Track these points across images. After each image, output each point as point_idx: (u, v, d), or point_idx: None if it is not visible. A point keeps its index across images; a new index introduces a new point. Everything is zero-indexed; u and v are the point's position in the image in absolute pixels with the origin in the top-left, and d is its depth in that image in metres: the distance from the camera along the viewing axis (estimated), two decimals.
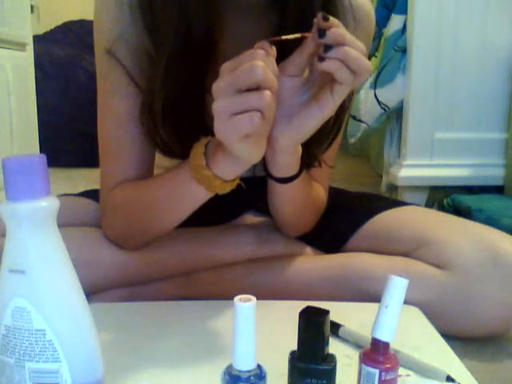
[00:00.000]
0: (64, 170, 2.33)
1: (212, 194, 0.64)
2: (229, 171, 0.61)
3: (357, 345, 0.62)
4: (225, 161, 0.60)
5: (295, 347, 0.45)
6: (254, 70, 0.51)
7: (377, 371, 0.44)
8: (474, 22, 1.57)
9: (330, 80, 0.56)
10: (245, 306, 0.39)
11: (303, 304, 0.46)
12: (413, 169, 1.63)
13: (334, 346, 0.46)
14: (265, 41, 0.55)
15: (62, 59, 2.57)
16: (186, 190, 0.66)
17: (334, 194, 0.89)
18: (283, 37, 0.56)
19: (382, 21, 1.65)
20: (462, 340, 0.72)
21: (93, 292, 0.77)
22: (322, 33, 0.53)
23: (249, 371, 0.40)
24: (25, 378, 0.40)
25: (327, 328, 0.44)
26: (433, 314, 0.71)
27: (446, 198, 1.55)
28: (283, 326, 0.54)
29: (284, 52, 0.58)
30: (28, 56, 2.02)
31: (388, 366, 0.44)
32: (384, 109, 1.62)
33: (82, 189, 0.96)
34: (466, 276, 0.72)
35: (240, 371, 0.40)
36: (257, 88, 0.52)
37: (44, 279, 0.40)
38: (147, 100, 0.68)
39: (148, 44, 0.68)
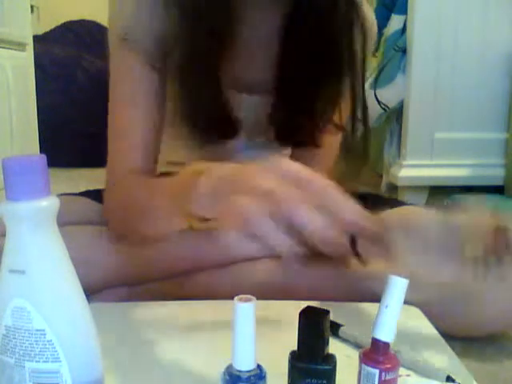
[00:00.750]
0: (64, 170, 2.33)
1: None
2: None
3: (357, 345, 0.62)
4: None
5: (295, 347, 0.44)
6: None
7: (377, 371, 0.44)
8: (473, 21, 1.57)
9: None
10: (245, 305, 0.39)
11: (303, 304, 0.46)
12: (413, 169, 1.63)
13: (334, 346, 0.46)
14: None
15: (62, 59, 2.57)
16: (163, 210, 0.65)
17: None
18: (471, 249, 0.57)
19: (382, 21, 1.65)
20: (462, 340, 0.72)
21: (92, 291, 0.77)
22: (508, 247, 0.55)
23: (249, 371, 0.40)
24: (25, 378, 0.40)
25: (327, 328, 0.44)
26: (432, 314, 0.71)
27: (446, 198, 1.55)
28: (283, 326, 0.54)
29: None
30: (28, 56, 2.02)
31: (388, 366, 0.44)
32: (384, 109, 1.62)
33: (82, 189, 0.97)
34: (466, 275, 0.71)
35: (240, 371, 0.40)
36: None
37: (44, 279, 0.40)
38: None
39: (168, 28, 0.70)
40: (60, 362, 0.39)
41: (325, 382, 0.43)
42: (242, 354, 0.40)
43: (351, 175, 0.77)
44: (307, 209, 0.42)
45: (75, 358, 0.40)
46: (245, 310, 0.39)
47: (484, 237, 0.57)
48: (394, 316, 0.43)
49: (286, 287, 0.79)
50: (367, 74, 0.80)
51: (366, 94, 0.82)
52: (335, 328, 0.63)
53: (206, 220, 0.56)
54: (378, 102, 1.61)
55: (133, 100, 0.73)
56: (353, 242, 0.47)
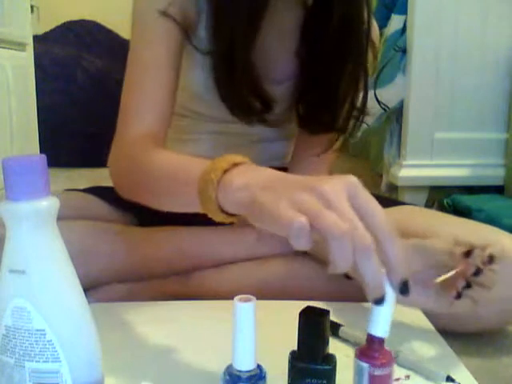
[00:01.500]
0: (64, 170, 2.32)
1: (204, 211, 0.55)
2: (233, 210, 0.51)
3: (357, 345, 0.61)
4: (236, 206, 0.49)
5: (295, 347, 0.44)
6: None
7: (367, 366, 0.44)
8: (474, 21, 1.57)
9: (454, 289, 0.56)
10: (245, 305, 0.39)
11: (303, 304, 0.46)
12: (413, 169, 1.63)
13: (334, 346, 0.46)
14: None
15: (62, 59, 2.57)
16: (186, 196, 0.58)
17: None
18: (440, 278, 0.56)
19: (382, 21, 1.65)
20: (462, 340, 0.72)
21: (92, 285, 0.77)
22: (477, 272, 0.54)
23: (249, 371, 0.40)
24: (25, 378, 0.40)
25: (327, 328, 0.44)
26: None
27: (446, 198, 1.55)
28: (283, 326, 0.54)
29: None
30: (28, 56, 2.02)
31: (378, 362, 0.44)
32: (384, 109, 1.62)
33: None
34: None
35: (240, 371, 0.40)
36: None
37: (44, 279, 0.40)
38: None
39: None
40: (60, 362, 0.39)
41: (325, 382, 0.43)
42: (242, 354, 0.40)
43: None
44: (372, 257, 0.40)
45: (75, 358, 0.40)
46: (245, 310, 0.39)
47: (450, 262, 0.57)
48: (388, 312, 0.43)
49: (286, 287, 0.79)
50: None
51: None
52: (335, 328, 0.63)
53: (231, 216, 0.51)
54: (378, 102, 1.61)
55: (155, 62, 0.75)
56: None
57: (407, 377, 0.55)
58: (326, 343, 0.44)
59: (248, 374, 0.40)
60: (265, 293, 0.75)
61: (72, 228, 0.75)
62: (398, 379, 0.54)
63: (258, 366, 0.41)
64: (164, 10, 0.72)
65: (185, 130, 0.91)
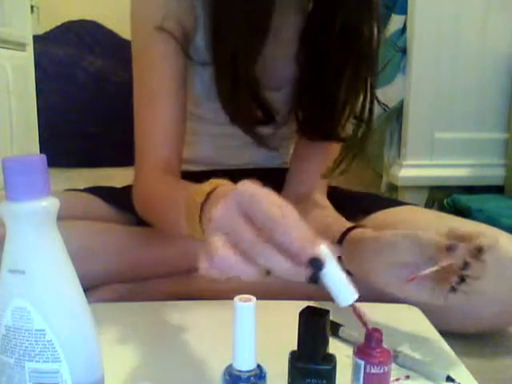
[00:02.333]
0: (64, 170, 2.32)
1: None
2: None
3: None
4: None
5: (295, 347, 0.44)
6: None
7: (362, 362, 0.44)
8: (474, 21, 1.57)
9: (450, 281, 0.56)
10: (245, 305, 0.39)
11: (303, 304, 0.46)
12: (413, 169, 1.63)
13: (334, 346, 0.46)
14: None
15: (62, 59, 2.57)
16: (177, 224, 0.62)
17: (333, 192, 0.89)
18: (423, 272, 0.55)
19: (382, 21, 1.65)
20: (462, 340, 0.72)
21: (92, 285, 0.77)
22: (465, 266, 0.53)
23: (249, 371, 0.40)
24: (25, 378, 0.40)
25: (327, 328, 0.44)
26: (431, 311, 0.71)
27: (446, 198, 1.55)
28: (283, 326, 0.54)
29: None
30: (28, 56, 2.02)
31: (376, 360, 0.44)
32: (384, 109, 1.62)
33: None
34: None
35: (240, 371, 0.40)
36: None
37: (44, 279, 0.40)
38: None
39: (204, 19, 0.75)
40: (60, 361, 0.39)
41: (325, 381, 0.43)
42: (242, 354, 0.40)
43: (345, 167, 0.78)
44: (269, 252, 0.40)
45: (75, 358, 0.40)
46: (245, 310, 0.39)
47: (436, 255, 0.56)
48: (338, 278, 0.43)
49: (286, 287, 0.79)
50: None
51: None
52: (335, 328, 0.63)
53: None
54: (378, 102, 1.61)
55: (161, 90, 0.74)
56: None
57: (407, 377, 0.55)
58: (326, 343, 0.44)
59: (248, 374, 0.40)
60: (265, 293, 0.75)
61: (72, 228, 0.75)
62: (397, 379, 0.54)
63: (258, 366, 0.41)
64: (160, 26, 0.71)
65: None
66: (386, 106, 1.61)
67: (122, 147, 2.45)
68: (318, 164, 0.86)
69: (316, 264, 0.41)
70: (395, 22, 1.61)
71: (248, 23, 0.70)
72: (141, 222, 0.87)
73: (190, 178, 0.72)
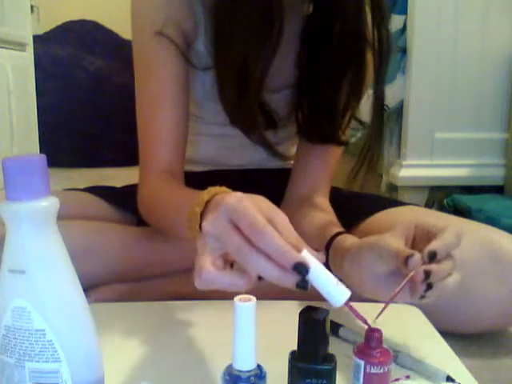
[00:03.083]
0: (64, 170, 2.33)
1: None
2: None
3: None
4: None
5: (295, 347, 0.44)
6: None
7: (362, 362, 0.44)
8: (474, 22, 1.57)
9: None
10: (245, 305, 0.39)
11: (303, 304, 0.46)
12: (413, 169, 1.63)
13: (334, 346, 0.46)
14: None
15: (62, 59, 2.57)
16: (181, 232, 0.63)
17: (333, 193, 0.89)
18: (398, 289, 0.53)
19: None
20: (462, 340, 0.72)
21: (92, 285, 0.77)
22: (427, 276, 0.51)
23: (249, 371, 0.40)
24: (25, 378, 0.40)
25: (327, 328, 0.44)
26: (432, 311, 0.71)
27: (446, 198, 1.55)
28: (283, 326, 0.54)
29: None
30: (28, 56, 2.02)
31: (376, 360, 0.44)
32: (384, 109, 1.62)
33: None
34: (465, 273, 0.71)
35: (240, 371, 0.40)
36: None
37: (44, 279, 0.40)
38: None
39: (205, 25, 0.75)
40: (60, 362, 0.39)
41: (325, 381, 0.43)
42: (242, 354, 0.40)
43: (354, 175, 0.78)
44: (256, 258, 0.43)
45: (75, 358, 0.40)
46: (245, 310, 0.39)
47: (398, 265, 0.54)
48: (327, 281, 0.43)
49: (286, 287, 0.79)
50: None
51: (366, 94, 0.83)
52: (335, 328, 0.63)
53: None
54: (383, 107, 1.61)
55: (163, 95, 0.75)
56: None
57: (407, 377, 0.55)
58: (326, 343, 0.44)
59: (248, 374, 0.40)
60: (265, 293, 0.75)
61: (72, 228, 0.75)
62: (397, 379, 0.54)
63: (258, 366, 0.41)
64: (160, 31, 0.72)
65: None
66: (386, 106, 1.61)
67: (122, 147, 2.47)
68: (320, 167, 0.86)
69: (300, 269, 0.42)
70: (395, 22, 1.61)
71: (259, 30, 0.69)
72: (141, 222, 0.87)
73: (192, 179, 0.73)
